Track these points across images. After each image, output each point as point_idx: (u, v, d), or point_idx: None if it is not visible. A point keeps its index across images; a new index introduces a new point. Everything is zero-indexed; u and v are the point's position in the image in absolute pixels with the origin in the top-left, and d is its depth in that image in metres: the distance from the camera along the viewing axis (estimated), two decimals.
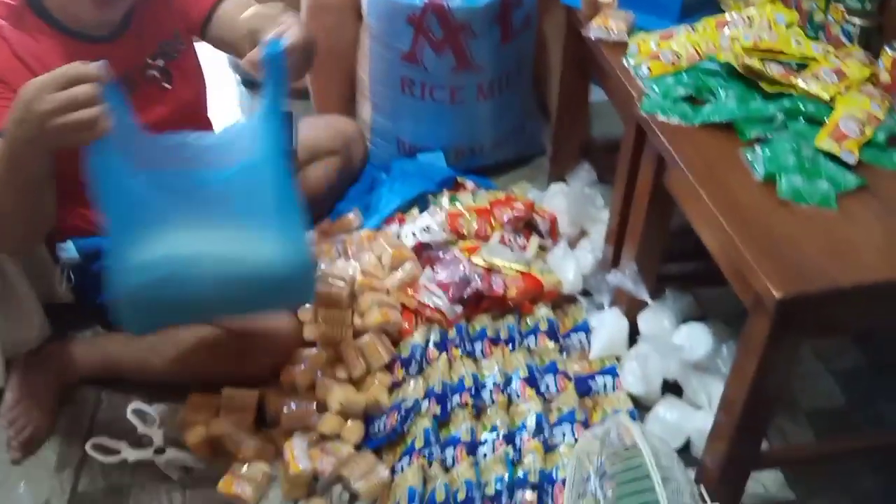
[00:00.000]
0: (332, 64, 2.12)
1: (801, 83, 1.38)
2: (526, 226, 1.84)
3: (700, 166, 1.29)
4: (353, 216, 1.90)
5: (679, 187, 1.37)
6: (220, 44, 1.56)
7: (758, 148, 1.29)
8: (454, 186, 1.99)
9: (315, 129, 1.97)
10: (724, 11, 1.58)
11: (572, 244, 1.84)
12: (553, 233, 1.86)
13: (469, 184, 1.99)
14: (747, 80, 1.42)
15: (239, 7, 1.52)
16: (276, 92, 1.17)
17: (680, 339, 1.51)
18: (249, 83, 2.56)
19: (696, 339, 1.50)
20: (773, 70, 1.41)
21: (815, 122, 1.33)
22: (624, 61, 1.53)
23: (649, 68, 1.48)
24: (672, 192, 1.41)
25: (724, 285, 1.26)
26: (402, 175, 2.00)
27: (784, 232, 1.17)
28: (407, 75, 1.97)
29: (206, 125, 1.69)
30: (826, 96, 1.35)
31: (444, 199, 1.89)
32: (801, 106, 1.35)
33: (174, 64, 1.52)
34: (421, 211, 1.89)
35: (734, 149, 1.31)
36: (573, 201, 1.85)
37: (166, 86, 1.52)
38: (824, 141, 1.29)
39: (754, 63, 1.41)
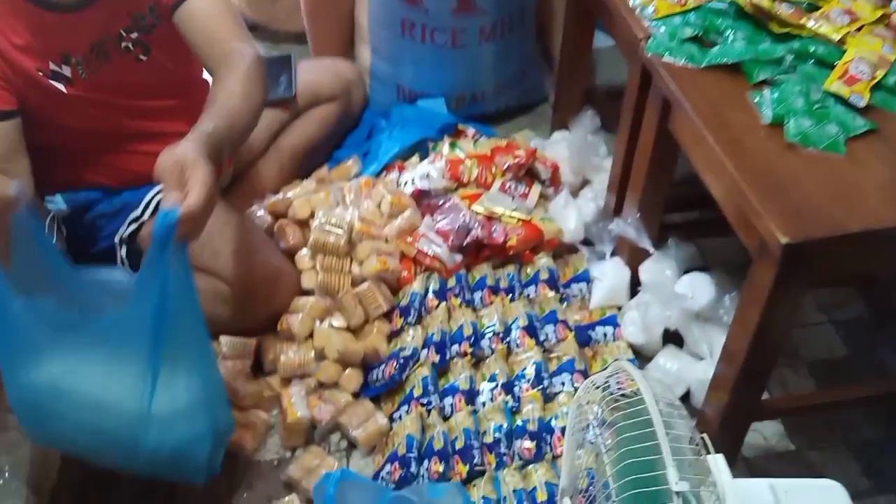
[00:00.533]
0: (329, 7, 2.06)
1: (811, 24, 1.34)
2: (527, 174, 1.80)
3: (706, 109, 1.26)
4: (351, 163, 1.87)
5: (684, 131, 1.34)
6: (184, 35, 1.46)
7: (766, 90, 1.26)
8: (455, 133, 1.95)
9: (315, 73, 1.93)
10: None
11: (574, 193, 1.81)
12: (555, 181, 1.82)
13: (470, 130, 1.95)
14: (756, 20, 1.38)
15: (207, 12, 1.42)
16: (159, 259, 1.09)
17: (682, 289, 1.48)
18: (252, 27, 2.49)
19: (699, 288, 1.47)
20: (783, 10, 1.36)
21: (825, 65, 1.30)
22: (630, 1, 1.49)
23: (655, 8, 1.44)
24: (677, 136, 1.38)
25: (727, 235, 1.23)
26: (401, 121, 1.96)
27: (791, 176, 1.14)
28: (407, 17, 1.92)
29: (200, 89, 1.63)
30: (836, 38, 1.32)
31: (445, 146, 1.85)
32: (811, 48, 1.32)
33: (152, 37, 1.47)
34: (421, 158, 1.86)
35: (742, 91, 1.28)
36: (576, 149, 1.81)
37: (142, 58, 1.48)
38: (834, 84, 1.26)
39: (763, 2, 1.37)
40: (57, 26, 1.38)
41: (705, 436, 0.83)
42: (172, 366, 1.14)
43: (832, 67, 1.29)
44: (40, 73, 1.40)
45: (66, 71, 1.41)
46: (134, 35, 1.45)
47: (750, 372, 1.21)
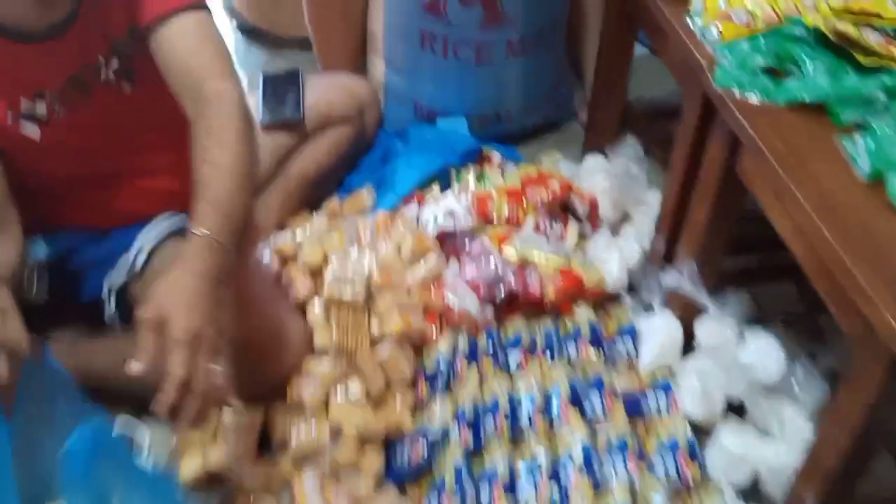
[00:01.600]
0: (337, 14, 1.87)
1: None
2: (561, 208, 1.62)
3: (787, 156, 1.09)
4: (364, 193, 1.68)
5: (759, 178, 1.16)
6: (160, 62, 1.25)
7: (858, 137, 1.08)
8: (479, 159, 1.76)
9: (327, 92, 1.74)
10: None
11: (613, 229, 1.62)
12: (593, 218, 1.63)
13: (496, 156, 1.76)
14: (837, 48, 1.20)
15: (187, 38, 1.23)
16: None
17: (748, 357, 1.30)
18: (247, 30, 2.31)
19: (766, 356, 1.28)
20: (872, 38, 1.18)
21: None
22: (688, 21, 1.31)
23: (720, 31, 1.26)
24: (747, 182, 1.20)
25: (782, 280, 1.04)
26: (420, 145, 1.77)
27: None
28: (428, 29, 1.73)
29: None
30: None
31: (470, 179, 1.66)
32: None
33: (134, 64, 1.28)
34: (442, 188, 1.67)
35: (827, 135, 1.11)
36: (617, 182, 1.62)
37: (127, 89, 1.29)
38: None
39: (848, 29, 1.19)
40: (27, 59, 1.21)
41: None
42: None
43: None
44: (9, 117, 1.23)
45: (41, 108, 1.24)
46: (115, 63, 1.26)
47: (845, 469, 1.03)
